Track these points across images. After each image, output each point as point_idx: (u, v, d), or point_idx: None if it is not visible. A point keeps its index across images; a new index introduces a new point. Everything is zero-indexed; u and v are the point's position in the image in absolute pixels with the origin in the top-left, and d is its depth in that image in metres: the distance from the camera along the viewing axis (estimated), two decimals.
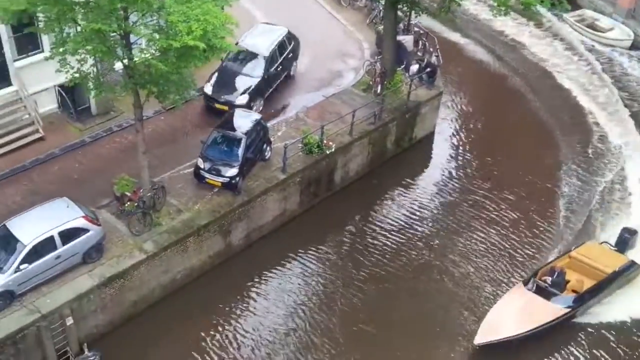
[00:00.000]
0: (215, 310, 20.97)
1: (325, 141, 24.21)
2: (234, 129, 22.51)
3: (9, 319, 17.33)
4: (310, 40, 29.94)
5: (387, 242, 24.14)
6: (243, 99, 25.07)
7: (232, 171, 21.66)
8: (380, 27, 29.40)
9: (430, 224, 25.20)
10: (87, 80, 18.81)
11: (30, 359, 17.86)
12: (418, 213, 25.52)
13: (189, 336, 20.04)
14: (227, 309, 21.17)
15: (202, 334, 20.16)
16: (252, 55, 26.13)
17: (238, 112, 23.52)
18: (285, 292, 21.98)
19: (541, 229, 24.97)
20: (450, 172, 27.79)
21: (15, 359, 17.48)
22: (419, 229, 24.88)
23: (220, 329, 20.51)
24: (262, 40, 26.68)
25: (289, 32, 27.69)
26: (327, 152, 24.23)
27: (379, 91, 26.88)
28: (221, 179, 21.69)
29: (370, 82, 27.56)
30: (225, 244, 22.15)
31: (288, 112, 26.08)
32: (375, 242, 24.13)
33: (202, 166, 21.80)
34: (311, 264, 23.09)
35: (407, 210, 25.57)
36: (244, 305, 21.41)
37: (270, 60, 26.15)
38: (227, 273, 21.98)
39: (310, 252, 23.42)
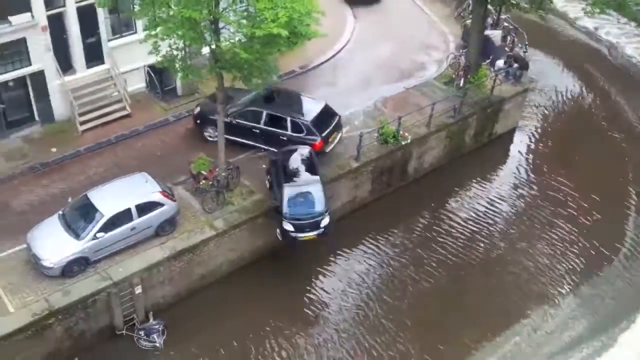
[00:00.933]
0: (280, 290, 20.60)
1: (401, 132, 23.43)
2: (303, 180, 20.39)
3: (82, 284, 17.74)
4: (394, 30, 29.11)
5: (461, 232, 23.25)
6: None
7: (325, 220, 20.13)
8: (468, 21, 28.17)
9: (506, 218, 24.04)
10: (175, 63, 18.95)
11: (99, 322, 18.22)
12: (493, 206, 24.39)
13: (251, 313, 19.87)
14: (292, 287, 20.84)
15: (264, 313, 19.93)
16: None
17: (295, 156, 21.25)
18: (354, 274, 21.49)
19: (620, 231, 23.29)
20: (529, 169, 26.28)
21: (85, 322, 17.88)
22: (494, 221, 23.82)
23: (283, 308, 20.20)
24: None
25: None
26: (403, 143, 23.43)
27: (461, 85, 25.80)
28: (316, 232, 20.13)
29: (453, 76, 26.51)
30: None
31: (365, 102, 25.34)
32: (449, 231, 23.27)
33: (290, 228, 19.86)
34: (381, 249, 22.48)
35: (483, 203, 24.50)
36: (310, 285, 21.06)
37: None
38: (294, 255, 21.58)
39: (381, 237, 22.80)
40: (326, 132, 22.09)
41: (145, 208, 18.63)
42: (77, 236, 17.88)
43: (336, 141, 22.69)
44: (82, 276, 17.87)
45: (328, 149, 22.26)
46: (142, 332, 18.53)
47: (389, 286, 21.22)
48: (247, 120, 22.16)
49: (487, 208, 24.25)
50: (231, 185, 20.88)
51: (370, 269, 21.75)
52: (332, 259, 21.95)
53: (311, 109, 22.27)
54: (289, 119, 21.85)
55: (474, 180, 25.44)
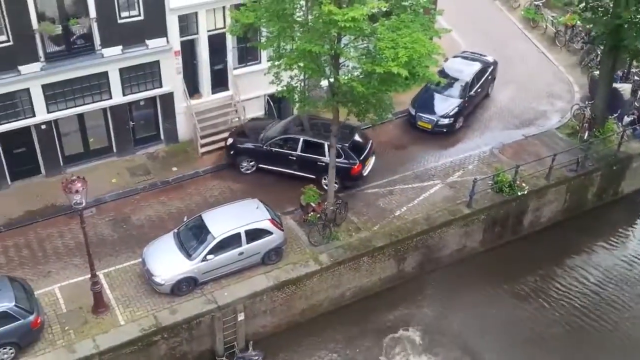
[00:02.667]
0: (381, 332, 20.25)
1: (518, 182, 22.59)
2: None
3: (189, 304, 18.17)
4: (517, 76, 28.43)
5: (577, 301, 21.81)
6: (446, 120, 25.08)
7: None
8: (596, 72, 26.93)
9: (632, 292, 22.22)
10: (294, 94, 19.43)
11: (201, 345, 18.55)
12: (618, 276, 22.71)
13: (351, 353, 19.64)
14: (392, 335, 20.33)
15: (363, 354, 19.60)
16: (454, 80, 25.80)
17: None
18: (454, 329, 20.63)
19: None
20: None
21: (188, 343, 18.26)
22: (617, 295, 22.05)
23: (385, 352, 19.79)
24: (464, 67, 26.46)
25: (489, 62, 27.43)
26: (519, 194, 22.54)
27: (585, 137, 24.61)
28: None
29: (577, 127, 25.38)
30: (397, 269, 21.50)
31: (480, 147, 24.76)
32: (564, 293, 22.04)
33: None
34: (487, 305, 21.52)
35: (605, 271, 22.88)
36: (407, 335, 20.45)
37: (470, 85, 25.84)
38: (396, 298, 21.24)
39: (487, 292, 21.94)
40: (363, 155, 22.11)
41: (254, 234, 18.90)
42: (189, 256, 18.38)
43: (371, 165, 22.62)
44: (189, 296, 18.31)
45: (365, 172, 22.23)
46: None
47: (493, 347, 20.23)
48: (284, 148, 22.31)
49: (608, 279, 22.62)
50: (338, 219, 20.85)
51: (473, 327, 20.73)
52: (435, 307, 21.26)
53: (347, 133, 22.15)
54: (326, 144, 21.74)
55: (596, 242, 24.02)
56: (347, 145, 21.94)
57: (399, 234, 20.87)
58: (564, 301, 21.78)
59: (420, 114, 25.23)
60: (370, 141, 23.03)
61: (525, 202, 23.08)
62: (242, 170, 22.76)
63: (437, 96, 25.56)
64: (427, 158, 24.11)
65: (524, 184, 22.63)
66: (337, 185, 21.28)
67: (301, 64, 17.81)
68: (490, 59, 27.62)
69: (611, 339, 20.60)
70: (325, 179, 21.96)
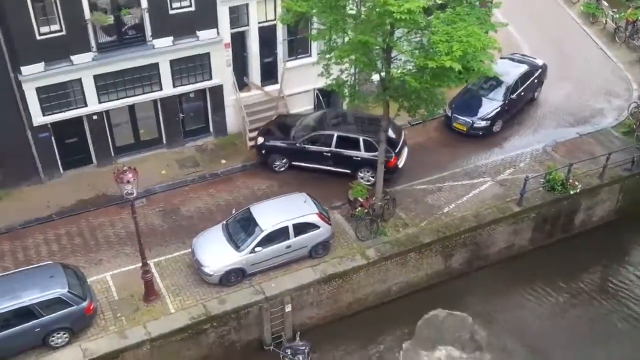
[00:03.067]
0: (423, 332, 20.07)
1: (570, 180, 22.10)
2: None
3: (237, 295, 18.34)
4: (574, 73, 27.80)
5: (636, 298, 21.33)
6: (482, 123, 24.32)
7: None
8: None
9: None
10: (344, 88, 19.37)
11: (249, 335, 18.73)
12: None
13: (392, 345, 19.55)
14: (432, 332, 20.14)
15: (408, 352, 19.46)
16: (496, 81, 24.88)
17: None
18: (501, 327, 20.36)
19: None
20: None
21: (236, 332, 18.45)
22: None
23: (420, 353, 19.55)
24: (510, 69, 25.55)
25: (537, 65, 26.53)
26: (571, 192, 22.06)
27: None
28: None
29: (634, 126, 24.70)
30: (445, 265, 21.31)
31: (533, 145, 24.31)
32: (622, 294, 21.55)
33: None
34: (536, 304, 21.23)
35: None
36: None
37: (512, 88, 25.06)
38: (441, 295, 21.03)
39: (536, 291, 21.57)
40: (398, 147, 21.86)
41: (301, 228, 18.94)
42: (237, 247, 18.52)
43: (405, 157, 22.34)
44: (237, 287, 18.47)
45: (401, 164, 21.97)
46: (288, 351, 18.77)
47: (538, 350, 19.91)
48: (317, 145, 22.11)
49: None
50: (386, 215, 20.73)
51: (517, 325, 20.46)
52: (480, 306, 20.93)
53: (378, 126, 21.47)
54: (361, 139, 21.54)
55: None
56: None
57: (446, 230, 20.66)
58: (622, 299, 21.30)
59: (457, 115, 24.49)
60: (403, 133, 22.86)
61: (578, 201, 22.60)
62: (275, 168, 22.63)
63: (476, 98, 24.90)
64: (477, 155, 23.75)
65: (576, 183, 22.15)
66: (373, 179, 21.24)
67: (353, 57, 17.61)
68: (539, 62, 26.77)
69: None
70: (361, 172, 21.87)
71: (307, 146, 22.19)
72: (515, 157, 23.56)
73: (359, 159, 21.79)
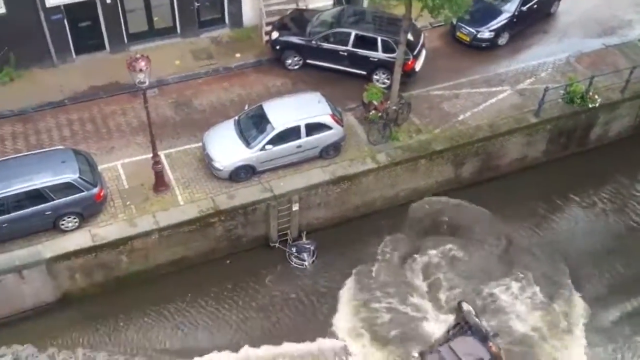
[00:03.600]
0: (429, 234, 20.22)
1: (591, 93, 21.48)
2: None
3: (246, 191, 18.42)
4: None
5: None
6: (486, 34, 23.13)
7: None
8: None
9: None
10: None
11: (255, 231, 19.00)
12: None
13: (399, 250, 19.74)
14: (439, 237, 20.23)
15: (409, 251, 19.70)
16: None
17: None
18: (504, 236, 20.38)
19: None
20: None
21: (243, 227, 18.71)
22: None
23: (431, 253, 19.62)
24: None
25: None
26: (590, 106, 21.50)
27: None
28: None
29: None
30: (454, 174, 21.18)
31: (556, 54, 23.42)
32: (622, 208, 21.49)
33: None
34: (550, 216, 21.20)
35: None
36: (451, 240, 20.14)
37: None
38: (447, 200, 21.05)
39: (549, 203, 21.50)
40: (416, 50, 21.19)
41: (313, 128, 18.74)
42: (248, 144, 18.41)
43: (422, 59, 21.69)
44: (246, 184, 18.53)
45: (418, 67, 21.40)
46: (293, 249, 19.15)
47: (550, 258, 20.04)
48: (333, 43, 21.37)
49: None
50: (400, 120, 20.39)
51: (530, 233, 20.60)
52: (486, 214, 20.82)
53: (397, 27, 20.64)
54: (379, 38, 20.89)
55: None
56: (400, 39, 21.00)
57: (460, 138, 20.39)
58: (633, 213, 21.31)
59: (461, 24, 23.10)
60: (422, 35, 22.05)
61: (596, 115, 22.07)
62: (288, 66, 22.01)
63: (484, 7, 23.33)
64: (498, 63, 22.96)
65: (596, 96, 21.53)
66: (388, 81, 20.74)
67: None
68: None
69: None
70: (376, 74, 21.33)
71: (322, 44, 21.49)
72: (537, 67, 22.81)
73: (376, 60, 21.17)
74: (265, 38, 22.72)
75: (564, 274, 19.44)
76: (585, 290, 19.21)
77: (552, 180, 21.90)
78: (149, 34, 22.36)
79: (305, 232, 19.53)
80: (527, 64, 22.92)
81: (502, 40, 23.46)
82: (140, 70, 15.64)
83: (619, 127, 23.00)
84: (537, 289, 18.95)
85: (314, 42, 21.50)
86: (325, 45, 21.49)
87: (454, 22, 22.95)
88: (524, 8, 23.58)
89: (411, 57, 20.95)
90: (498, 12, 23.43)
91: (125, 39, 22.01)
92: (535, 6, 23.96)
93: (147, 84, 16.00)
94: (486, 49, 23.23)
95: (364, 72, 21.49)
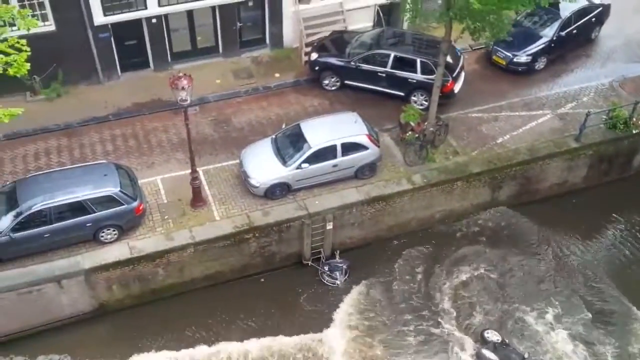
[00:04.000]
0: (462, 257, 19.97)
1: (635, 119, 21.02)
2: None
3: (281, 208, 18.53)
4: None
5: None
6: (523, 58, 22.79)
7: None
8: None
9: None
10: (406, 4, 18.55)
11: (289, 248, 19.06)
12: None
13: (431, 273, 19.54)
14: (471, 258, 19.95)
15: (444, 274, 19.47)
16: (547, 16, 23.21)
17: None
18: (543, 263, 19.97)
19: None
20: None
21: (277, 244, 18.80)
22: None
23: (457, 275, 19.46)
24: (564, 3, 22.57)
25: (597, 4, 24.34)
26: (634, 132, 21.03)
27: None
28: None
29: None
30: (491, 197, 20.90)
31: (599, 79, 23.01)
32: None
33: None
34: (589, 243, 20.76)
35: None
36: (487, 261, 19.88)
37: (564, 24, 23.16)
38: (485, 225, 20.77)
39: (590, 231, 21.07)
40: (456, 71, 21.05)
41: (349, 148, 18.77)
42: (284, 162, 18.55)
43: (461, 82, 21.51)
44: (281, 201, 18.63)
45: (457, 89, 21.23)
46: (326, 267, 19.15)
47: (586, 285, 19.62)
48: (372, 65, 21.27)
49: None
50: (437, 141, 20.29)
51: (563, 262, 20.10)
52: (524, 242, 20.51)
53: (436, 48, 20.52)
54: (419, 60, 20.74)
55: None
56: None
57: (498, 161, 20.15)
58: None
59: (497, 48, 22.80)
60: (462, 57, 21.98)
61: (639, 141, 21.52)
62: (325, 87, 22.12)
63: (523, 32, 23.03)
64: (539, 86, 22.69)
65: None
66: (426, 103, 20.72)
67: None
68: (601, 0, 24.52)
69: None
70: (414, 96, 21.28)
71: (361, 65, 21.58)
72: (579, 91, 22.46)
73: (415, 81, 21.15)
74: (305, 59, 22.96)
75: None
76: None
77: (593, 206, 21.42)
78: (192, 53, 22.88)
79: (338, 251, 19.50)
80: (569, 88, 22.61)
81: (540, 65, 23.17)
82: (182, 88, 16.00)
83: None
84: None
85: (352, 63, 21.63)
86: (364, 66, 21.58)
87: (491, 45, 22.79)
88: (563, 33, 23.23)
89: (450, 79, 20.91)
90: (537, 37, 23.17)
91: (169, 57, 22.56)
92: (575, 31, 23.57)
93: (188, 101, 16.35)
94: (523, 73, 22.98)
95: (402, 94, 21.51)
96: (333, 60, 21.97)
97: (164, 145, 20.33)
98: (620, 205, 21.67)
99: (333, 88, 22.21)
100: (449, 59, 20.90)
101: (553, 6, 21.93)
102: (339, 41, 22.54)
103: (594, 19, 24.21)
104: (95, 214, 16.86)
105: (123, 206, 17.09)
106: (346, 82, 22.06)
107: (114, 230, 17.35)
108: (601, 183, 21.97)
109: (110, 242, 17.42)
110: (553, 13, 23.31)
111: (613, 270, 19.99)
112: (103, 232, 17.24)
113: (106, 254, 17.24)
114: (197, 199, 18.36)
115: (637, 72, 23.24)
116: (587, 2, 24.20)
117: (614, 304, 18.99)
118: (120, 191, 17.09)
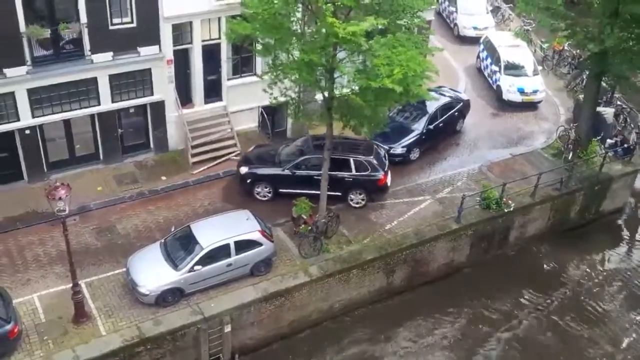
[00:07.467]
0: (366, 348, 18.78)
1: (505, 199, 21.40)
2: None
3: (174, 315, 16.52)
4: None
5: (569, 312, 20.74)
6: (398, 150, 22.98)
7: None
8: (581, 95, 25.99)
9: (611, 315, 20.96)
10: (288, 106, 18.35)
11: (185, 357, 16.86)
12: (601, 296, 21.55)
13: None
14: (375, 348, 18.86)
15: None
16: (417, 112, 23.94)
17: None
18: (437, 346, 19.27)
19: None
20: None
21: (172, 355, 16.56)
22: (601, 316, 20.82)
23: None
24: (431, 100, 22.88)
25: (460, 99, 25.52)
26: (505, 210, 21.35)
27: (569, 158, 23.54)
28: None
29: (562, 148, 24.32)
30: (387, 283, 20.04)
31: (470, 164, 23.53)
32: (542, 309, 20.85)
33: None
34: (474, 320, 20.21)
35: (589, 289, 21.78)
36: (391, 348, 18.99)
37: (432, 118, 23.82)
38: (384, 312, 19.81)
39: (475, 307, 20.58)
40: (386, 166, 21.08)
41: (243, 245, 17.40)
42: (175, 266, 16.78)
43: (389, 175, 21.32)
44: (174, 307, 16.65)
45: (389, 183, 21.07)
46: None
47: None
48: (307, 169, 20.59)
49: (592, 298, 21.42)
50: (329, 232, 19.39)
51: (455, 343, 19.44)
52: (420, 322, 19.86)
53: (366, 147, 20.93)
54: (352, 159, 20.51)
55: (580, 260, 22.89)
56: (371, 157, 20.62)
57: (388, 247, 19.49)
58: (553, 314, 20.70)
59: (375, 141, 22.52)
60: (385, 150, 21.96)
61: (512, 219, 21.90)
62: (258, 197, 20.63)
63: (397, 126, 23.52)
64: (418, 174, 22.76)
65: (510, 201, 21.49)
66: (364, 201, 20.57)
67: (297, 75, 16.74)
68: (464, 96, 25.90)
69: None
70: (352, 194, 20.64)
71: (296, 171, 20.47)
72: (453, 176, 22.73)
73: (351, 179, 20.43)
74: (193, 160, 21.66)
75: None
76: None
77: (478, 283, 21.13)
78: (70, 162, 20.85)
79: (238, 355, 17.53)
80: (444, 174, 22.84)
81: (414, 155, 23.44)
82: (60, 198, 14.23)
83: (533, 229, 22.76)
84: None
85: (286, 170, 20.50)
86: (299, 172, 20.46)
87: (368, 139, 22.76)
88: (431, 126, 23.81)
89: (382, 172, 20.56)
90: (409, 130, 23.55)
91: (45, 167, 20.37)
92: (441, 125, 24.23)
93: (67, 212, 14.49)
94: (401, 163, 23.01)
95: (339, 193, 20.47)
96: (266, 171, 20.67)
97: (40, 260, 17.80)
98: (502, 280, 21.54)
99: (265, 198, 20.73)
100: (379, 150, 21.38)
101: (420, 102, 22.50)
102: (264, 153, 21.47)
103: (456, 113, 25.08)
104: None
105: None
106: (280, 190, 20.61)
107: None
108: (483, 260, 21.82)
109: None
110: (421, 109, 23.91)
111: None
112: None
113: None
114: (80, 314, 15.92)
115: (500, 156, 24.02)
116: (449, 98, 25.13)
117: None
118: None
